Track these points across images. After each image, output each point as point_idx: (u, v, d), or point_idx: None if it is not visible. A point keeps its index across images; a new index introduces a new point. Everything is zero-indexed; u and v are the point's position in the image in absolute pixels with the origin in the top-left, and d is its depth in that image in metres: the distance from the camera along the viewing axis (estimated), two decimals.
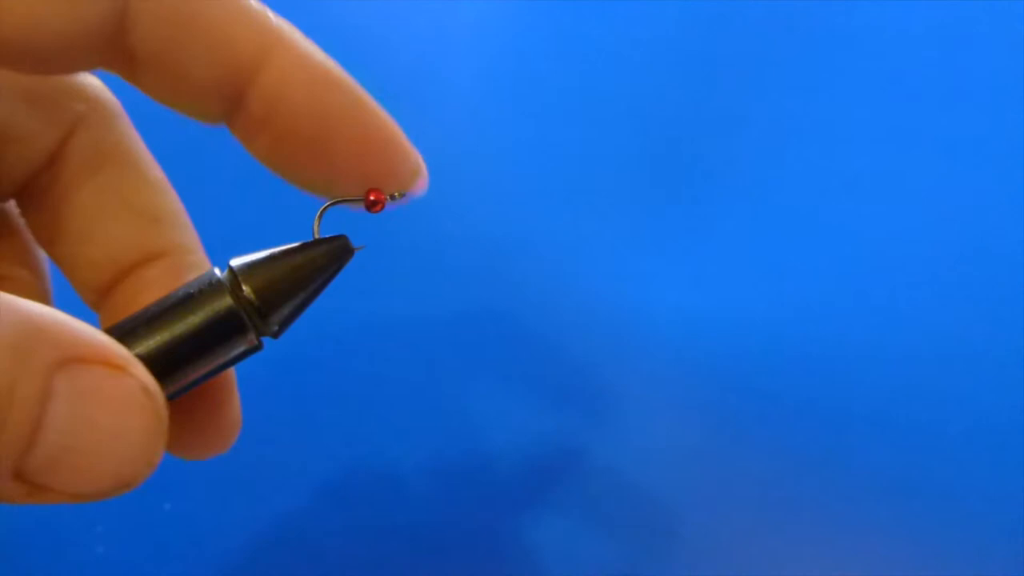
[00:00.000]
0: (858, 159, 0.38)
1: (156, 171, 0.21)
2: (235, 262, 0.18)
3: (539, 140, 0.39)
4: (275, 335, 0.18)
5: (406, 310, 0.35)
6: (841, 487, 0.31)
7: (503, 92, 0.40)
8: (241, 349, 0.18)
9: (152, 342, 0.17)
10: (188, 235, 0.21)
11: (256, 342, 0.18)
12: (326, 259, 0.18)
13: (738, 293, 0.35)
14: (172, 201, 0.21)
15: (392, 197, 0.18)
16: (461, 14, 0.43)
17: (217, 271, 0.18)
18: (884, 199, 0.37)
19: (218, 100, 0.18)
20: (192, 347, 0.17)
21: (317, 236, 0.18)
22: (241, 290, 0.17)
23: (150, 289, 0.19)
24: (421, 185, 0.19)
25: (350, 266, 0.18)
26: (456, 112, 0.40)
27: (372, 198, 0.18)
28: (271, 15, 0.18)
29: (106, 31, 0.17)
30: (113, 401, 0.15)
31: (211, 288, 0.17)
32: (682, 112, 0.40)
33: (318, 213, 0.18)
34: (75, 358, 0.14)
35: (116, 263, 0.20)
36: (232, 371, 0.20)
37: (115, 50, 0.17)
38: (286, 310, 0.18)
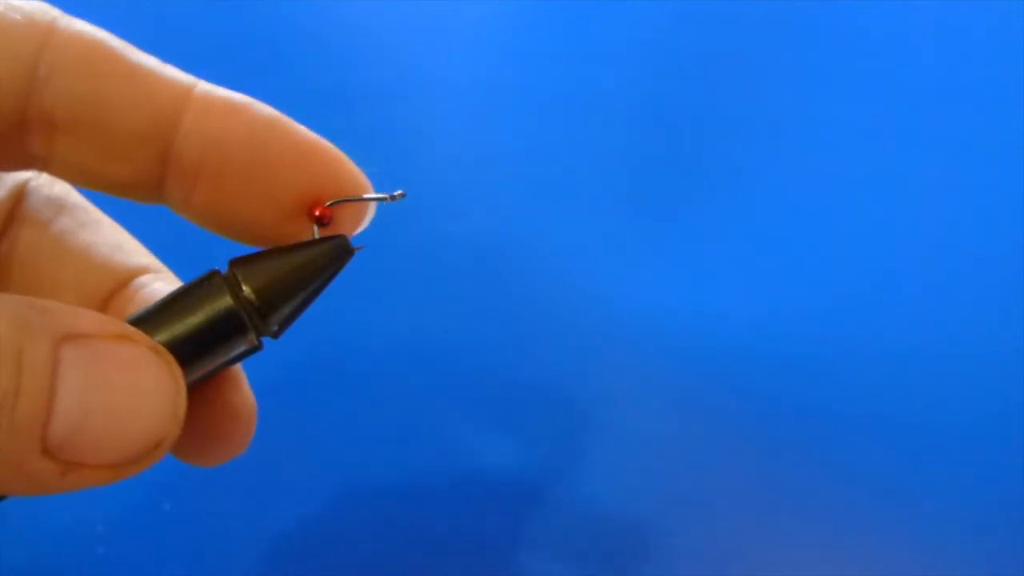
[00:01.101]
0: (857, 160, 0.38)
1: (106, 217, 0.21)
2: (235, 262, 0.18)
3: (538, 142, 0.39)
4: (275, 335, 0.18)
5: (404, 311, 0.35)
6: (841, 488, 0.31)
7: (502, 94, 0.40)
8: (241, 349, 0.18)
9: None
10: (153, 260, 0.21)
11: (256, 342, 0.18)
12: (326, 259, 0.18)
13: (737, 294, 0.35)
14: (130, 236, 0.21)
15: (394, 197, 0.18)
16: (461, 14, 0.43)
17: (217, 271, 0.18)
18: (883, 199, 0.37)
19: (149, 152, 0.17)
20: (192, 347, 0.17)
21: (317, 236, 0.18)
22: (241, 290, 0.17)
23: (130, 311, 0.19)
24: (367, 188, 0.18)
25: (349, 267, 0.18)
26: (455, 113, 0.40)
27: (318, 213, 0.18)
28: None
29: (16, 88, 0.16)
30: (125, 361, 0.15)
31: (211, 288, 0.17)
32: (681, 113, 0.40)
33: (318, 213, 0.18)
34: (79, 333, 0.15)
35: (92, 300, 0.20)
36: (241, 370, 0.20)
37: (30, 116, 0.17)
38: (286, 310, 0.18)
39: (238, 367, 0.20)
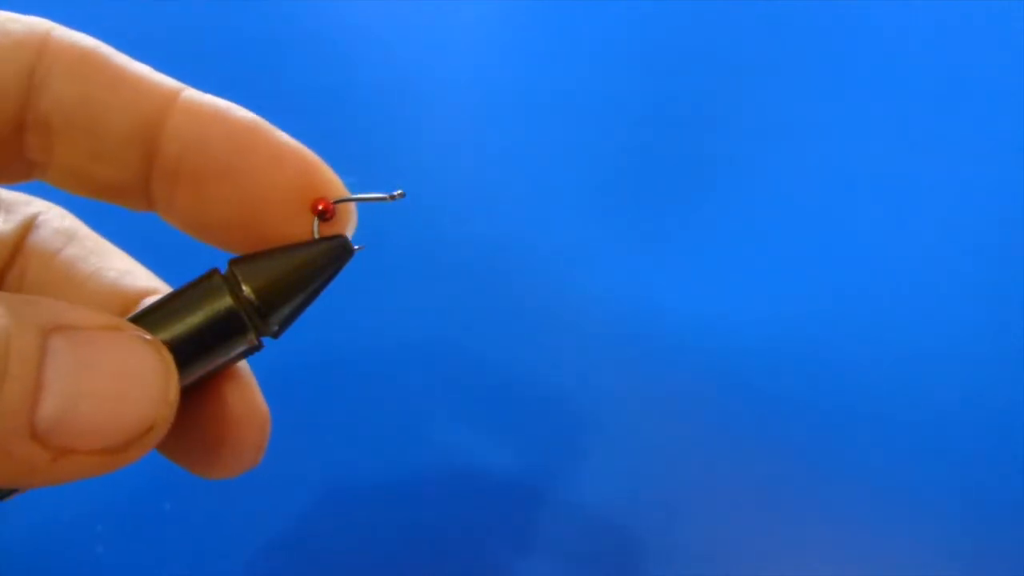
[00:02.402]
0: (858, 158, 0.38)
1: (114, 246, 0.21)
2: (235, 262, 0.18)
3: (539, 142, 0.39)
4: (275, 335, 0.18)
5: (405, 311, 0.35)
6: (843, 488, 0.31)
7: (502, 93, 0.40)
8: (241, 349, 0.18)
9: None
10: (161, 283, 0.21)
11: (256, 342, 0.18)
12: (326, 259, 0.18)
13: (739, 295, 0.35)
14: (138, 263, 0.21)
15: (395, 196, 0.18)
16: (461, 14, 0.43)
17: (217, 270, 0.18)
18: (885, 198, 0.37)
19: (133, 153, 0.18)
20: (192, 347, 0.17)
21: (316, 236, 0.18)
22: (241, 290, 0.17)
23: None
24: (343, 194, 0.19)
25: (349, 267, 0.18)
26: (455, 113, 0.40)
27: (321, 207, 0.18)
28: None
29: (16, 93, 0.17)
30: (113, 347, 0.15)
31: (211, 288, 0.17)
32: (683, 113, 0.40)
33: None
34: (67, 325, 0.15)
35: None
36: (252, 378, 0.20)
37: (28, 120, 0.17)
38: (286, 310, 0.18)
39: (251, 377, 0.20)
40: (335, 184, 0.18)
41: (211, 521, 0.31)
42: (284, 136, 0.18)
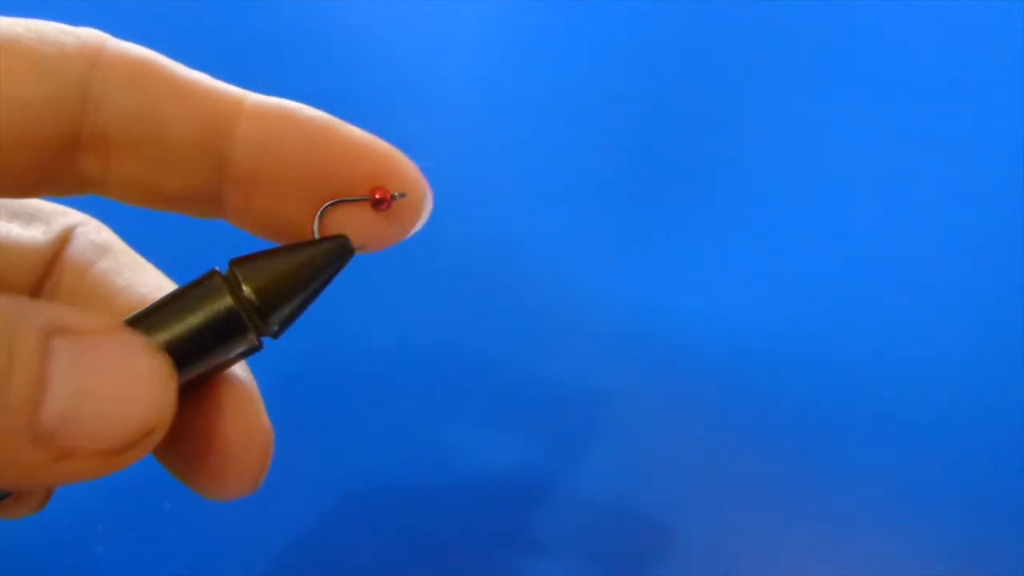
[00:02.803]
0: (858, 158, 0.38)
1: (148, 262, 0.21)
2: (235, 262, 0.18)
3: (539, 141, 0.39)
4: (275, 335, 0.18)
5: (405, 310, 0.35)
6: (844, 488, 0.31)
7: (501, 93, 0.40)
8: (241, 349, 0.18)
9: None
10: None
11: (256, 342, 0.18)
12: (326, 259, 0.18)
13: (739, 294, 0.35)
14: (170, 280, 0.21)
15: (394, 196, 0.18)
16: (461, 14, 0.43)
17: (217, 271, 0.18)
18: (884, 198, 0.37)
19: (204, 162, 0.18)
20: (191, 347, 0.17)
21: (317, 236, 0.18)
22: (241, 290, 0.17)
23: None
24: (423, 184, 0.19)
25: (349, 267, 0.18)
26: (454, 113, 0.40)
27: (377, 196, 0.18)
28: None
29: (71, 107, 0.17)
30: (114, 350, 0.15)
31: (211, 288, 0.17)
32: (684, 113, 0.40)
33: (318, 213, 0.18)
34: (67, 328, 0.15)
35: None
36: (257, 395, 0.20)
37: (85, 135, 0.17)
38: (286, 310, 0.18)
39: (254, 393, 0.19)
40: (413, 173, 0.19)
41: (211, 521, 0.31)
42: (358, 131, 0.18)
